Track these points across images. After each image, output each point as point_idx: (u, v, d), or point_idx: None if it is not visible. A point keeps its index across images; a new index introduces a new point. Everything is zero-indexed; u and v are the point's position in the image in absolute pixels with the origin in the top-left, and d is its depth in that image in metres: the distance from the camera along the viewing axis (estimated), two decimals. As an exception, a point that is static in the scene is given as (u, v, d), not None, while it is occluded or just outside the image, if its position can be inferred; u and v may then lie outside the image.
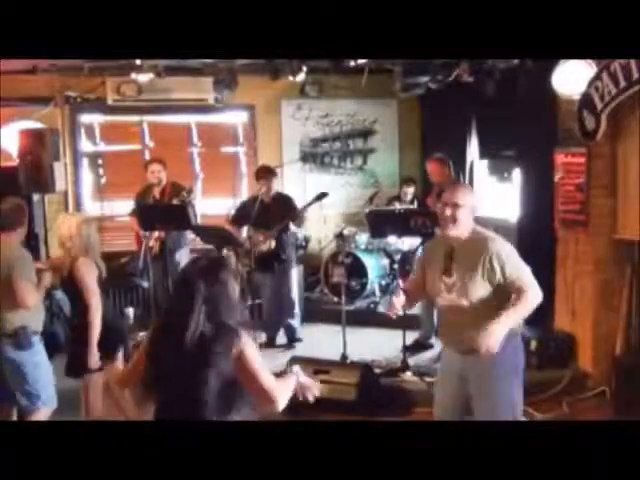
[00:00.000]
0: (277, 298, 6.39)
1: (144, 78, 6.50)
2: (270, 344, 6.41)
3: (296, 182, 7.82)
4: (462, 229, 3.32)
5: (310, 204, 6.06)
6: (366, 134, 8.28)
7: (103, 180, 7.79)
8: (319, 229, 7.75)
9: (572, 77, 4.94)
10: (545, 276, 5.41)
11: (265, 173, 6.23)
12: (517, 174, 6.33)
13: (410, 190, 7.45)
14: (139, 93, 6.92)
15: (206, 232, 6.34)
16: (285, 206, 6.20)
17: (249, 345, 2.52)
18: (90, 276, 4.06)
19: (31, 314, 4.04)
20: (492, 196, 7.14)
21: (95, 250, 4.17)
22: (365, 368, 5.13)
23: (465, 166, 7.17)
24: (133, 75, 6.52)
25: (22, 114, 6.92)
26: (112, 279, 4.83)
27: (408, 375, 5.37)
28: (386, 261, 7.36)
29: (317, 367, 4.99)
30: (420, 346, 5.92)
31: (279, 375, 2.75)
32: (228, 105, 7.51)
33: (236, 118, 7.97)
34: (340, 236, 6.73)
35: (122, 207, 7.19)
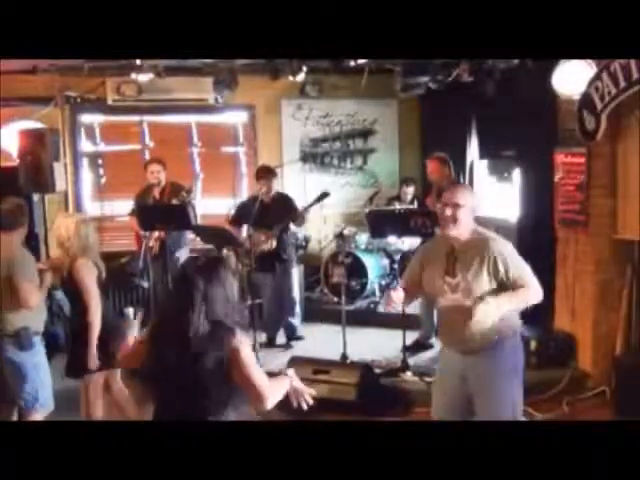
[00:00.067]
0: (278, 298, 6.39)
1: (144, 78, 6.50)
2: (270, 344, 6.41)
3: (296, 182, 7.82)
4: (462, 229, 3.32)
5: (312, 204, 6.06)
6: (366, 134, 8.28)
7: (103, 180, 7.78)
8: (319, 229, 7.75)
9: (572, 77, 4.94)
10: (545, 276, 5.40)
11: (265, 173, 6.23)
12: (517, 174, 6.33)
13: (410, 190, 7.46)
14: (139, 93, 6.92)
15: (206, 232, 6.35)
16: (285, 206, 6.20)
17: (243, 344, 2.55)
18: (90, 277, 4.06)
19: (33, 314, 4.04)
20: (492, 196, 7.13)
21: (94, 250, 4.17)
22: (365, 368, 5.13)
23: (465, 166, 7.17)
24: (133, 75, 6.52)
25: (22, 114, 6.91)
26: (112, 279, 4.84)
27: (408, 375, 5.37)
28: (386, 261, 7.36)
29: (317, 367, 5.00)
30: (420, 346, 5.92)
31: (274, 375, 2.76)
32: (228, 105, 7.51)
33: (236, 118, 7.97)
34: (340, 236, 6.73)
35: (122, 207, 7.18)
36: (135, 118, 7.73)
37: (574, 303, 5.44)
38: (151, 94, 6.97)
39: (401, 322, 5.62)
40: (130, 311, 3.57)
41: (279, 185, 6.69)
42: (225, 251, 5.88)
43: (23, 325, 3.99)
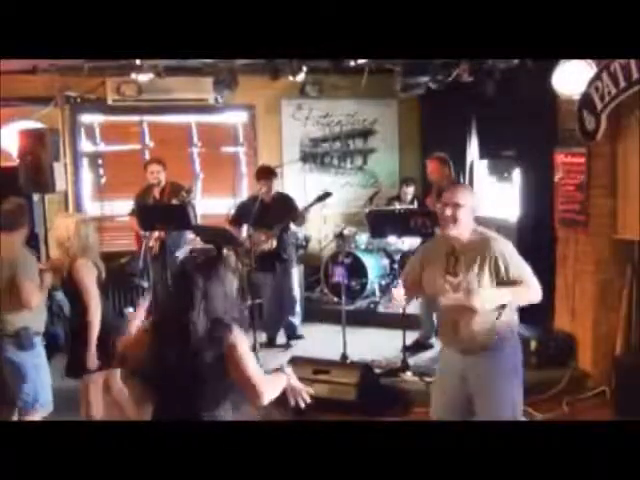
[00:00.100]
0: (278, 297, 6.39)
1: (144, 78, 6.50)
2: (270, 344, 6.41)
3: (296, 182, 7.82)
4: (463, 229, 3.32)
5: (313, 203, 6.07)
6: (366, 134, 8.28)
7: (103, 180, 7.78)
8: (319, 229, 7.76)
9: (572, 77, 4.94)
10: (545, 276, 5.40)
11: (266, 173, 6.23)
12: (517, 174, 6.33)
13: (410, 190, 7.46)
14: (139, 93, 6.92)
15: (206, 232, 6.35)
16: (286, 206, 6.21)
17: (240, 340, 2.56)
18: (89, 277, 4.06)
19: (33, 315, 4.04)
20: (492, 196, 7.14)
21: (94, 251, 4.17)
22: (365, 368, 5.13)
23: (465, 166, 7.17)
24: (133, 75, 6.52)
25: (22, 114, 6.91)
26: (112, 279, 4.83)
27: (408, 375, 5.37)
28: (386, 261, 7.37)
29: (317, 367, 5.00)
30: (420, 346, 5.92)
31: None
32: (228, 105, 7.51)
33: (236, 118, 7.97)
34: (340, 236, 6.74)
35: (122, 207, 7.18)
36: (135, 118, 7.73)
37: (574, 303, 5.44)
38: (151, 94, 6.97)
39: (401, 322, 5.62)
40: (130, 311, 3.56)
41: (279, 185, 6.69)
42: (225, 251, 5.88)
43: (23, 325, 3.99)
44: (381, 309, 7.12)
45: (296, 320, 6.50)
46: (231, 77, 6.72)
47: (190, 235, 6.67)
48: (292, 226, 6.35)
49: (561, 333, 5.55)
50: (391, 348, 5.91)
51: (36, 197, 6.35)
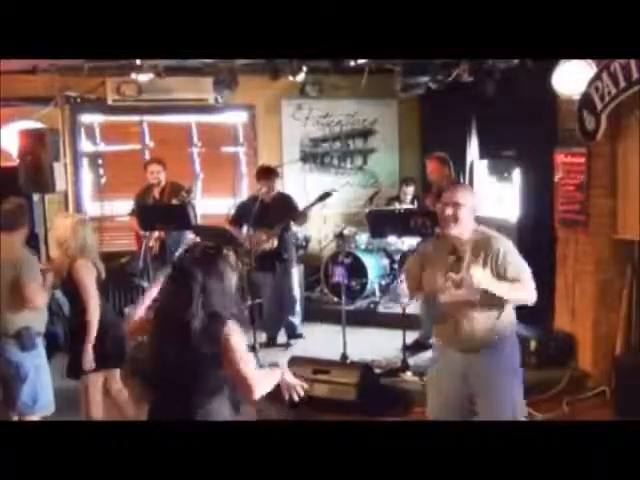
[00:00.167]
0: (278, 297, 6.39)
1: (144, 78, 6.50)
2: (270, 344, 6.41)
3: (296, 182, 7.82)
4: (463, 228, 3.33)
5: (315, 203, 6.07)
6: (366, 134, 8.28)
7: (103, 180, 7.79)
8: (319, 229, 7.75)
9: (572, 77, 4.94)
10: (545, 276, 5.42)
11: (266, 174, 6.23)
12: (517, 174, 6.33)
13: (410, 190, 7.45)
14: (139, 93, 6.92)
15: (206, 232, 6.34)
16: (286, 205, 6.21)
17: (235, 332, 2.57)
18: (89, 278, 4.05)
19: (34, 315, 4.04)
20: (492, 196, 7.14)
21: (93, 251, 4.16)
22: (365, 368, 5.13)
23: (465, 166, 7.17)
24: (133, 75, 6.52)
25: (22, 114, 6.91)
26: (112, 279, 4.83)
27: (408, 375, 5.37)
28: (386, 261, 7.36)
29: (317, 367, 5.00)
30: (420, 346, 5.91)
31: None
32: (228, 105, 7.51)
33: (236, 118, 7.97)
34: (340, 236, 6.74)
35: (122, 207, 7.18)
36: (135, 118, 7.73)
37: (574, 303, 5.44)
38: (151, 94, 6.97)
39: (401, 322, 5.62)
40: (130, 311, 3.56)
41: (279, 185, 6.69)
42: (225, 251, 5.88)
43: (25, 325, 3.99)
44: (381, 309, 7.12)
45: (296, 320, 6.51)
46: (231, 77, 6.72)
47: (190, 235, 6.67)
48: (292, 226, 6.36)
49: (561, 333, 5.55)
50: (391, 348, 5.91)
51: (36, 197, 6.35)
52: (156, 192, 6.49)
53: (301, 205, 6.23)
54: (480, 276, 3.14)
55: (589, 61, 4.81)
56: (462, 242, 3.34)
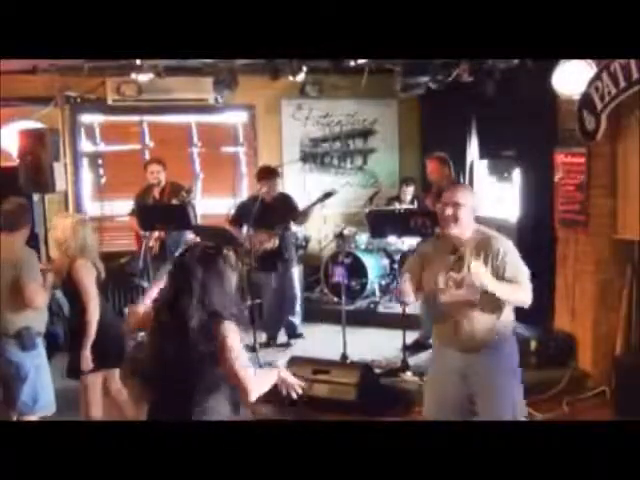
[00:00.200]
0: (279, 297, 6.39)
1: (144, 78, 6.50)
2: (270, 344, 6.41)
3: (296, 182, 7.82)
4: (463, 228, 3.33)
5: (316, 202, 6.07)
6: (366, 134, 8.28)
7: (103, 180, 7.79)
8: (319, 229, 7.75)
9: (572, 77, 4.94)
10: (545, 276, 5.44)
11: (267, 174, 6.23)
12: (517, 174, 6.33)
13: (410, 190, 7.45)
14: (139, 93, 6.92)
15: (206, 232, 6.34)
16: (286, 205, 6.21)
17: (230, 333, 2.57)
18: (88, 278, 4.05)
19: (35, 315, 4.04)
20: (492, 196, 7.14)
21: (92, 251, 4.15)
22: (365, 368, 5.13)
23: (465, 166, 7.17)
24: (133, 75, 6.52)
25: (22, 114, 6.91)
26: (112, 279, 4.83)
27: (408, 375, 5.37)
28: (386, 261, 7.36)
29: (317, 367, 5.00)
30: (420, 346, 5.91)
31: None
32: (228, 105, 7.51)
33: (236, 118, 7.97)
34: (340, 236, 6.74)
35: (122, 207, 7.18)
36: (135, 118, 7.73)
37: (574, 303, 5.44)
38: (151, 94, 6.97)
39: (401, 322, 5.62)
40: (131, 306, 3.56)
41: (279, 185, 6.69)
42: (225, 251, 5.88)
43: (25, 325, 3.99)
44: (381, 309, 7.12)
45: (296, 320, 6.51)
46: (231, 77, 6.72)
47: (190, 235, 6.67)
48: (292, 226, 6.36)
49: (561, 333, 5.54)
50: (391, 348, 5.91)
51: (36, 197, 6.35)
52: (156, 192, 6.49)
53: (301, 205, 6.23)
54: (481, 271, 3.14)
55: (589, 61, 4.81)
56: (462, 242, 3.34)
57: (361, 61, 6.13)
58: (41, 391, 4.07)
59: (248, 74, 6.79)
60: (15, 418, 4.13)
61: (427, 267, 3.47)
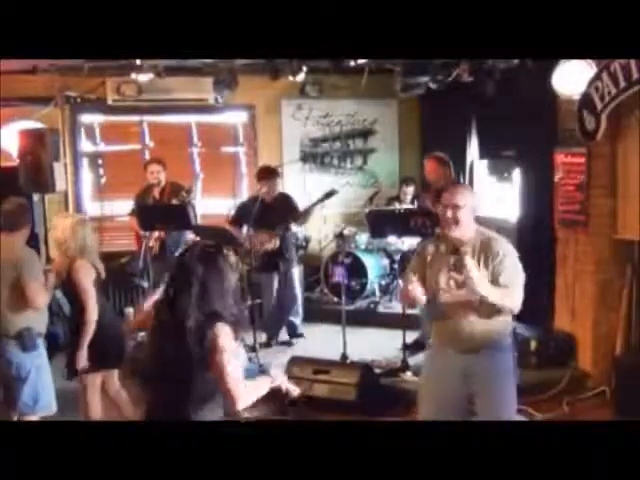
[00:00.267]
0: (279, 297, 6.40)
1: (144, 78, 6.50)
2: (270, 344, 6.41)
3: (296, 182, 7.82)
4: (464, 229, 3.33)
5: (317, 202, 6.07)
6: (366, 134, 8.28)
7: (103, 180, 7.79)
8: (319, 229, 7.75)
9: (572, 77, 4.94)
10: (545, 276, 5.45)
11: (268, 174, 6.23)
12: (517, 174, 6.33)
13: (410, 190, 7.45)
14: (139, 93, 6.92)
15: (206, 232, 6.34)
16: (287, 206, 6.22)
17: (224, 333, 2.53)
18: (88, 278, 4.05)
19: (35, 315, 4.04)
20: (492, 196, 7.14)
21: (92, 251, 4.15)
22: (365, 368, 5.13)
23: (465, 166, 7.17)
24: (133, 75, 6.52)
25: (22, 114, 6.91)
26: (112, 279, 4.83)
27: (408, 375, 5.37)
28: (386, 261, 7.37)
29: (317, 367, 5.00)
30: (420, 346, 5.89)
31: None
32: (228, 105, 7.51)
33: (236, 118, 7.97)
34: (340, 236, 6.74)
35: (122, 207, 7.19)
36: (135, 118, 7.73)
37: (574, 303, 5.44)
38: (151, 94, 6.97)
39: (401, 322, 5.63)
40: (130, 311, 3.56)
41: (279, 185, 6.69)
42: (225, 251, 5.88)
43: (26, 326, 3.98)
44: (381, 309, 7.12)
45: (297, 320, 6.51)
46: (231, 77, 6.72)
47: (190, 235, 6.67)
48: (292, 226, 6.36)
49: (561, 333, 5.55)
50: (391, 348, 5.91)
51: (36, 197, 6.35)
52: (156, 192, 6.49)
53: (301, 205, 6.23)
54: (475, 276, 3.14)
55: (589, 61, 4.81)
56: (463, 243, 3.34)
57: (361, 61, 6.13)
58: (42, 391, 4.07)
59: (248, 74, 6.79)
60: (16, 418, 4.13)
61: (428, 267, 3.47)
